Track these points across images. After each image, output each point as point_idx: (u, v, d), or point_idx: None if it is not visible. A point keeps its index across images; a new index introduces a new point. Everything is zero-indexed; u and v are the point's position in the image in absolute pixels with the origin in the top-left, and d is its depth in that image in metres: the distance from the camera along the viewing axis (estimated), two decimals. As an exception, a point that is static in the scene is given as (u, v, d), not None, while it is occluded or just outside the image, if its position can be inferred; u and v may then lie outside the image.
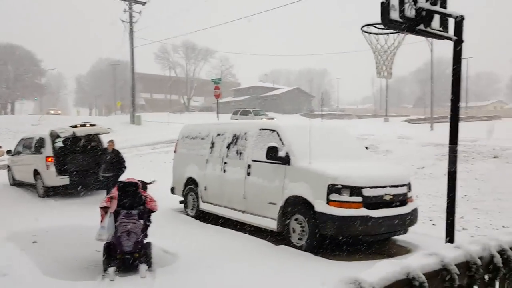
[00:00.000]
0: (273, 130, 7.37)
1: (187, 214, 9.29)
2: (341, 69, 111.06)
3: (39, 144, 12.11)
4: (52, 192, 11.68)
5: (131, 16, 34.77)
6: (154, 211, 6.01)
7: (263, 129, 7.61)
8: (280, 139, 7.13)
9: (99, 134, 12.42)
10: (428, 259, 2.23)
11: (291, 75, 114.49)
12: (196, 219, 8.91)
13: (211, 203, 8.61)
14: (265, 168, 7.22)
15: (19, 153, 13.60)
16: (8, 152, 14.34)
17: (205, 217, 8.88)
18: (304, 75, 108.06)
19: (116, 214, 5.77)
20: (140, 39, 39.58)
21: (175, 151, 10.14)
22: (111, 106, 78.26)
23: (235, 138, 8.15)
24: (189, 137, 9.59)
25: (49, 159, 11.45)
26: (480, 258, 2.44)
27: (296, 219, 6.62)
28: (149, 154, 20.67)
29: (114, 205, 5.78)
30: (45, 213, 9.74)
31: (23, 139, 13.82)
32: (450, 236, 5.12)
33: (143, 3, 34.06)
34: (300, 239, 6.56)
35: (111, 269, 5.49)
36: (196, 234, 7.66)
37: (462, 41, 5.00)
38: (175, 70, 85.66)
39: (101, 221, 5.80)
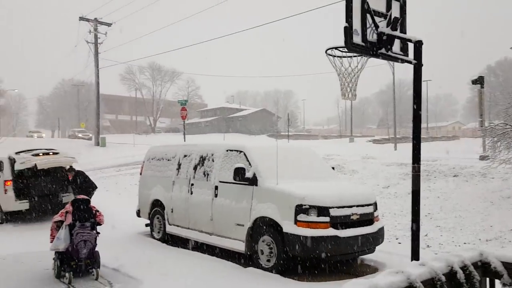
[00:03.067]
0: (240, 151, 7.37)
1: (153, 237, 9.06)
2: (306, 91, 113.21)
3: (-3, 168, 11.57)
4: (10, 217, 11.13)
5: (96, 38, 34.34)
6: (101, 224, 6.78)
7: (230, 150, 7.59)
8: (247, 159, 7.13)
9: (63, 166, 11.58)
10: (395, 277, 2.26)
11: (258, 96, 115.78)
12: (163, 242, 8.70)
13: (178, 226, 8.44)
14: (233, 189, 7.18)
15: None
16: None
17: (172, 240, 8.69)
18: (270, 96, 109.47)
19: (71, 226, 6.44)
20: (105, 60, 38.95)
21: (141, 173, 9.93)
22: (75, 127, 76.29)
23: (202, 159, 8.09)
24: (155, 158, 9.44)
25: (8, 183, 10.96)
26: (444, 274, 2.49)
27: (264, 241, 6.57)
28: (114, 176, 20.18)
29: (69, 219, 6.48)
30: (2, 240, 9.26)
31: (-21, 162, 13.17)
32: (415, 254, 5.21)
33: (109, 25, 33.78)
34: (268, 260, 6.51)
35: (68, 274, 6.25)
36: (162, 258, 7.47)
37: (421, 65, 5.22)
38: (141, 91, 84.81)
39: (51, 234, 6.66)
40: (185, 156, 8.57)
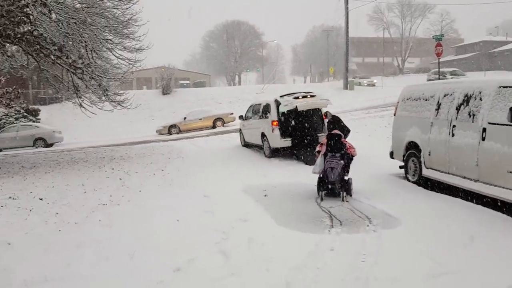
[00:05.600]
0: (519, 87, 6.18)
1: (408, 180, 8.85)
2: None
3: (266, 110, 13.34)
4: (277, 152, 12.82)
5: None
6: (354, 156, 8.02)
7: (504, 87, 6.46)
8: (529, 97, 5.93)
9: (319, 107, 12.67)
10: None
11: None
12: (418, 185, 8.40)
13: (435, 170, 7.95)
14: (506, 132, 6.17)
15: (248, 118, 15.33)
16: (240, 117, 16.36)
17: (427, 184, 8.30)
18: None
19: (325, 156, 7.92)
20: (354, 1, 39.00)
21: (394, 114, 9.67)
22: (324, 73, 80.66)
23: (467, 98, 7.20)
24: (410, 98, 8.98)
25: (274, 123, 12.53)
26: None
27: (549, 194, 5.50)
28: (363, 118, 20.53)
29: (323, 149, 8.00)
30: (271, 171, 10.78)
31: (252, 105, 15.49)
32: None
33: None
34: (554, 217, 5.44)
35: (322, 193, 7.64)
36: (419, 201, 7.23)
37: None
38: (389, 30, 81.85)
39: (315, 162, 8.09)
40: (445, 95, 7.81)
